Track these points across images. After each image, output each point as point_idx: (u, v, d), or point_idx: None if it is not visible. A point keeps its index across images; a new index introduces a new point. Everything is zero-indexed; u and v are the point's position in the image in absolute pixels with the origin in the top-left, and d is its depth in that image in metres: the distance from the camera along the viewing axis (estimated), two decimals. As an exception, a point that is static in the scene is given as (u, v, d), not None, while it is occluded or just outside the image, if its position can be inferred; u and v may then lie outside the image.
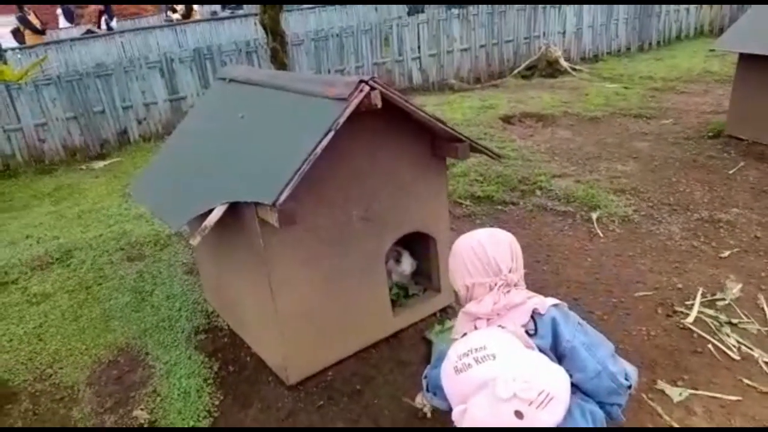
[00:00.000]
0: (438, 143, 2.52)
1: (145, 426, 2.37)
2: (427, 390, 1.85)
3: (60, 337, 2.96)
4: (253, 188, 2.05)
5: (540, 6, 8.31)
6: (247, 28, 12.00)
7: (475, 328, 1.64)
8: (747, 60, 4.57)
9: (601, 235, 3.54)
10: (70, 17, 13.31)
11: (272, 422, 2.31)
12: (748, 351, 2.46)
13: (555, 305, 1.63)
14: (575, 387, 1.53)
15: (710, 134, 5.00)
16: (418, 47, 7.83)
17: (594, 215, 3.76)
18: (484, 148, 2.47)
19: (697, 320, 2.68)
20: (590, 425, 1.54)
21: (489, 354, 1.41)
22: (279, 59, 6.69)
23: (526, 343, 1.52)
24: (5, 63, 8.56)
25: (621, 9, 8.94)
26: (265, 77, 2.64)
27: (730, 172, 4.23)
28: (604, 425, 1.60)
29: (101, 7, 12.47)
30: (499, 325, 1.59)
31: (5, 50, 9.43)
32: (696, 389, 2.28)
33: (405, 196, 2.52)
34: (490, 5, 8.03)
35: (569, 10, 8.56)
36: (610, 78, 7.65)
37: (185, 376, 2.59)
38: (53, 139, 6.21)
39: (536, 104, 6.43)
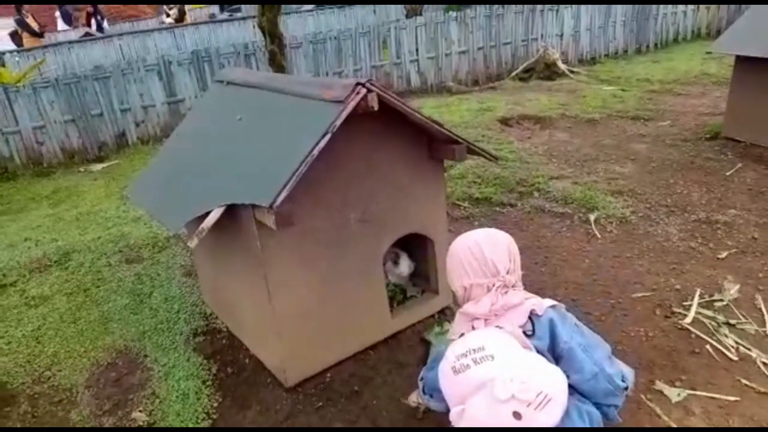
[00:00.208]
0: (435, 145, 2.52)
1: (144, 428, 2.36)
2: (424, 392, 1.85)
3: (58, 340, 2.96)
4: (251, 190, 2.05)
5: (538, 8, 8.34)
6: (245, 30, 12.02)
7: (473, 328, 1.65)
8: (744, 62, 4.59)
9: (599, 236, 3.55)
10: (68, 20, 13.34)
11: (271, 424, 2.31)
12: (746, 351, 2.46)
13: (552, 306, 1.64)
14: (572, 388, 1.54)
15: (707, 136, 5.02)
16: (416, 50, 7.85)
17: (592, 217, 3.77)
18: (480, 150, 2.48)
19: (695, 321, 2.68)
20: (587, 426, 1.54)
21: (487, 355, 1.42)
22: (277, 62, 6.72)
23: (523, 344, 1.53)
24: (3, 66, 8.58)
25: (618, 11, 8.97)
26: (263, 80, 2.65)
27: (728, 173, 4.24)
28: (601, 426, 1.61)
29: (89, 8, 12.48)
30: (497, 326, 1.60)
31: (3, 53, 9.44)
32: (694, 390, 2.28)
33: (403, 198, 2.52)
34: (487, 7, 8.05)
35: (567, 12, 8.59)
36: (608, 80, 7.67)
37: (184, 378, 2.59)
38: (51, 142, 6.21)
39: (534, 106, 6.45)
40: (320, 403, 2.37)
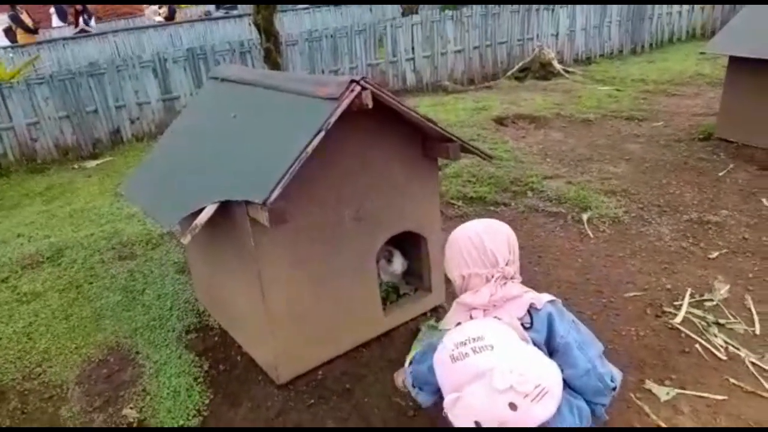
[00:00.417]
0: (429, 144, 2.53)
1: (134, 425, 2.36)
2: (413, 385, 1.85)
3: (50, 336, 2.95)
4: (245, 187, 2.05)
5: (533, 8, 8.36)
6: (241, 28, 12.00)
7: (471, 318, 1.65)
8: (737, 63, 4.62)
9: (592, 236, 3.56)
10: (63, 16, 13.26)
11: (262, 421, 2.32)
12: (735, 351, 2.48)
13: (551, 301, 1.66)
14: (564, 383, 1.55)
15: (701, 137, 5.05)
16: (412, 48, 7.86)
17: (585, 216, 3.78)
18: (474, 148, 2.49)
19: (685, 320, 2.70)
20: (577, 421, 1.56)
21: (487, 344, 1.42)
22: (272, 59, 6.71)
23: (521, 336, 1.54)
24: (-3, 61, 8.52)
25: (614, 12, 9.00)
26: (258, 77, 2.65)
27: (720, 174, 4.26)
28: (590, 421, 1.62)
29: (78, 6, 12.41)
30: (495, 317, 1.60)
31: (-3, 49, 9.39)
32: (683, 389, 2.30)
33: (397, 196, 2.53)
34: (483, 6, 8.06)
35: (562, 12, 8.61)
36: (603, 80, 7.70)
37: (175, 375, 2.58)
38: (45, 138, 6.18)
39: (529, 106, 6.46)
40: (312, 401, 2.38)
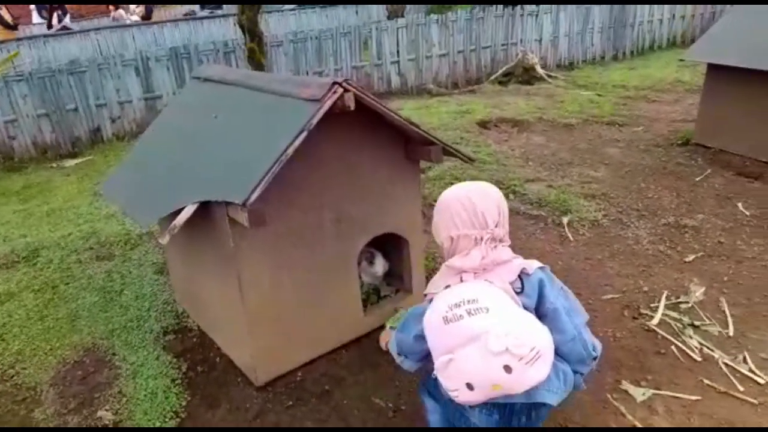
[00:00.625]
0: (412, 146, 2.54)
1: (110, 426, 2.33)
2: (399, 354, 1.83)
3: (24, 337, 2.90)
4: (224, 188, 2.04)
5: (518, 13, 8.43)
6: (226, 28, 11.93)
7: (461, 281, 1.63)
8: (715, 70, 4.71)
9: (572, 239, 3.60)
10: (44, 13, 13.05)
11: (240, 423, 2.30)
12: (709, 352, 2.53)
13: (541, 267, 1.67)
14: None
15: (679, 142, 5.13)
16: (397, 51, 7.87)
17: (565, 219, 3.82)
18: (456, 151, 2.50)
19: (661, 322, 2.74)
20: (563, 385, 1.59)
21: (482, 307, 1.42)
22: (256, 59, 6.68)
23: (513, 300, 1.55)
24: (-26, 57, 8.35)
25: (596, 18, 9.12)
26: (240, 77, 2.63)
27: (697, 179, 4.34)
28: (572, 386, 1.65)
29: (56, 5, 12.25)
30: (486, 280, 1.61)
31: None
32: (659, 389, 2.33)
33: (378, 199, 2.53)
34: (468, 11, 8.12)
35: (546, 18, 8.70)
36: (585, 86, 7.79)
37: (152, 376, 2.55)
38: (23, 136, 6.07)
39: (512, 110, 6.52)
40: (290, 402, 2.37)
